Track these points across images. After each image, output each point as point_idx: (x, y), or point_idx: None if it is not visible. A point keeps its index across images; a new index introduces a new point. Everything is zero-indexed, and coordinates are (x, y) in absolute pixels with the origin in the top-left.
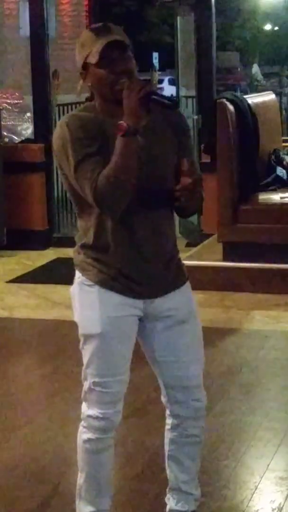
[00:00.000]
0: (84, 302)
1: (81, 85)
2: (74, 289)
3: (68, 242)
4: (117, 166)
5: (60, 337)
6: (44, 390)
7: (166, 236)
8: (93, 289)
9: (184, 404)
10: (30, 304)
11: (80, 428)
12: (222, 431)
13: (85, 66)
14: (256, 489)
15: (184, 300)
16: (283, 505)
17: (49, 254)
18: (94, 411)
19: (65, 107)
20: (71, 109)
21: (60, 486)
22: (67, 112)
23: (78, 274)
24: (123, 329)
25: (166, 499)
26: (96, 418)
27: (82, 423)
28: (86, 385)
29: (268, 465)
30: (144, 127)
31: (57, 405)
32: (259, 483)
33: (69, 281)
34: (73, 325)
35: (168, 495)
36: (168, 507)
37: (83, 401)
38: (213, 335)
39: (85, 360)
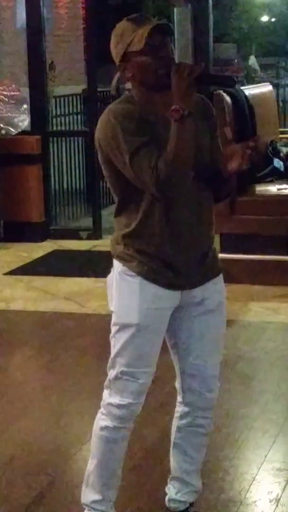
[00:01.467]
0: (124, 292)
1: (118, 78)
2: (112, 278)
3: (65, 234)
4: (177, 151)
5: (57, 329)
6: (41, 382)
7: (207, 224)
8: (135, 280)
9: (197, 392)
10: (27, 296)
11: (99, 415)
12: (220, 423)
13: (125, 56)
14: (253, 480)
15: (217, 290)
16: (280, 496)
17: (46, 246)
18: (116, 399)
19: (62, 99)
20: (68, 101)
21: (56, 479)
22: (64, 104)
23: (118, 264)
24: (159, 321)
25: (166, 489)
26: (117, 406)
27: (102, 410)
28: (112, 373)
29: (265, 456)
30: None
31: (54, 397)
32: (256, 474)
33: (66, 273)
34: (70, 317)
35: (169, 485)
36: (167, 497)
37: (105, 389)
38: None
39: (115, 349)
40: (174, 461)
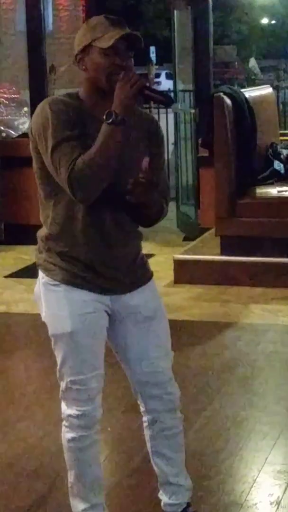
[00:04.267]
0: (51, 302)
1: (68, 66)
2: (38, 290)
3: None
4: (98, 152)
5: None
6: (41, 385)
7: (132, 233)
8: (59, 288)
9: (158, 398)
10: (27, 299)
11: (63, 428)
12: (220, 425)
13: (87, 48)
14: (254, 482)
15: (151, 297)
16: (281, 499)
17: None
18: (73, 410)
19: None
20: None
21: (57, 482)
22: None
23: (41, 275)
24: (93, 324)
25: (159, 495)
26: (76, 416)
27: (64, 423)
28: (63, 384)
29: (266, 459)
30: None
31: (54, 400)
32: (257, 477)
33: None
34: None
35: (160, 491)
36: (162, 502)
37: (62, 401)
38: (211, 329)
39: (58, 360)
40: (157, 468)
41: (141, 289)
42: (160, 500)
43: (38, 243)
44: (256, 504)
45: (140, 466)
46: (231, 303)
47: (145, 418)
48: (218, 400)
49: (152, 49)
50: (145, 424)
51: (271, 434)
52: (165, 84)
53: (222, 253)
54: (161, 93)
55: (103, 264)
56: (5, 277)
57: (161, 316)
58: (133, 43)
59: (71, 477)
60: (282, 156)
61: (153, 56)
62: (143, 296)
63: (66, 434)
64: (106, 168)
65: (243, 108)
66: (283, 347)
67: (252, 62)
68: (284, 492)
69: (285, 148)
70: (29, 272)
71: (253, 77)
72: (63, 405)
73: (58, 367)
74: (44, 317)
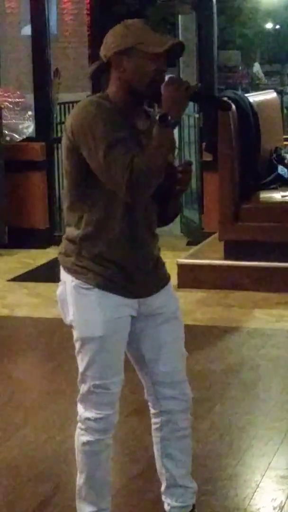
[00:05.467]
0: (82, 306)
1: (99, 64)
2: (64, 293)
3: None
4: (156, 155)
5: (61, 336)
6: (44, 389)
7: (155, 234)
8: (92, 292)
9: (173, 398)
10: (31, 302)
11: (78, 431)
12: (223, 430)
13: (128, 50)
14: (257, 487)
15: (170, 298)
16: (284, 504)
17: (50, 253)
18: (92, 413)
19: (67, 106)
20: (73, 108)
21: (60, 485)
22: (69, 110)
23: (70, 278)
24: (121, 330)
25: (164, 499)
26: (95, 420)
27: (80, 425)
28: (84, 388)
29: (269, 464)
30: (147, 130)
31: (57, 404)
32: (260, 482)
33: None
34: None
35: (164, 495)
36: (168, 506)
37: (79, 404)
38: (214, 334)
39: (83, 363)
40: (166, 471)
41: (163, 290)
42: (163, 505)
43: (65, 246)
44: (259, 509)
45: (144, 470)
46: (234, 307)
47: (156, 420)
48: (221, 405)
49: None
50: (155, 426)
51: (274, 439)
52: None
53: (225, 258)
54: (214, 97)
55: (134, 265)
56: (8, 280)
57: (179, 317)
58: (179, 51)
59: (80, 479)
60: (286, 161)
61: None
62: (164, 297)
63: (81, 437)
64: (161, 168)
65: (247, 112)
66: (287, 352)
67: (256, 67)
68: (287, 497)
69: None
70: (32, 275)
71: (257, 81)
72: (80, 408)
73: (81, 370)
74: (72, 320)
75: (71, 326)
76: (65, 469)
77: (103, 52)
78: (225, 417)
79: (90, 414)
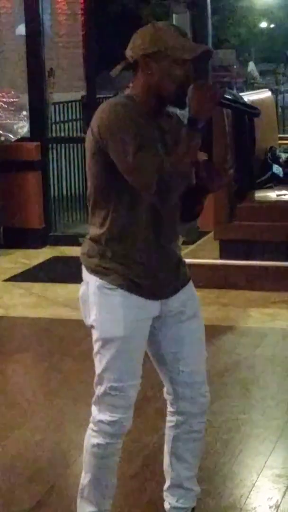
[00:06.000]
0: (105, 306)
1: (124, 65)
2: (86, 293)
3: (65, 240)
4: (185, 158)
5: (57, 336)
6: (40, 389)
7: (178, 234)
8: (116, 293)
9: (191, 400)
10: (26, 302)
11: (89, 432)
12: (219, 429)
13: (156, 54)
14: (253, 486)
15: (191, 296)
16: (280, 503)
17: (46, 253)
18: (106, 416)
19: (61, 105)
20: (67, 107)
21: (56, 486)
22: (63, 110)
23: (94, 278)
24: (143, 332)
25: (164, 497)
26: (108, 423)
27: (92, 427)
28: (100, 389)
29: (265, 463)
30: (171, 130)
31: (54, 404)
32: (256, 481)
33: (65, 279)
34: (70, 323)
35: (166, 493)
36: (168, 505)
37: (94, 405)
38: (210, 333)
39: (101, 364)
40: (172, 470)
41: (184, 289)
42: (160, 504)
43: (88, 246)
44: (255, 508)
45: (141, 470)
46: (230, 306)
47: (172, 418)
48: (217, 404)
49: None
50: (170, 424)
51: (270, 438)
52: None
53: (221, 257)
54: (243, 104)
55: (158, 266)
56: (4, 280)
57: (200, 316)
58: (207, 57)
59: (85, 479)
60: (281, 160)
61: None
62: (185, 296)
63: (92, 439)
64: (190, 171)
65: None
66: (282, 351)
67: (251, 66)
68: (283, 496)
69: (284, 152)
70: (27, 275)
71: (252, 81)
72: (95, 410)
73: (99, 372)
74: (94, 320)
75: (91, 327)
76: (60, 469)
77: (130, 52)
78: (221, 416)
79: (104, 416)
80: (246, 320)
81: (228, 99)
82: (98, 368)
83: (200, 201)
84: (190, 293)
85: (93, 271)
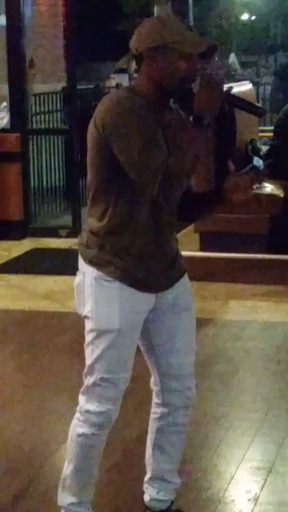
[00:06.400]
0: (102, 297)
1: (130, 59)
2: (82, 283)
3: (45, 232)
4: (189, 155)
5: (37, 328)
6: (20, 381)
7: (175, 229)
8: (114, 285)
9: (178, 392)
10: (6, 294)
11: (75, 421)
12: (198, 422)
13: (161, 48)
14: (232, 479)
15: (186, 289)
16: (259, 495)
17: (26, 245)
18: (93, 406)
19: (42, 97)
20: (48, 99)
21: (35, 478)
22: (44, 101)
23: (91, 269)
24: (138, 325)
25: (144, 488)
26: (95, 413)
27: (79, 416)
28: (90, 379)
29: (244, 455)
30: (172, 124)
31: (33, 397)
32: (235, 473)
33: (45, 271)
34: (49, 316)
35: (146, 485)
36: (148, 497)
37: (82, 395)
38: None
39: (93, 355)
40: (154, 462)
41: (179, 281)
42: (139, 496)
43: (87, 237)
44: (234, 500)
45: (119, 462)
46: (210, 299)
47: (157, 410)
48: (196, 397)
49: None
50: (154, 416)
51: (249, 430)
52: None
53: (201, 249)
54: (248, 102)
55: (156, 259)
56: None
57: (192, 309)
58: (210, 53)
59: (67, 469)
60: (261, 153)
61: None
62: (180, 288)
63: (78, 428)
64: (194, 169)
65: (222, 104)
66: (262, 343)
67: (232, 58)
68: (262, 489)
69: (264, 145)
70: (7, 267)
71: (233, 72)
72: (82, 400)
73: (90, 362)
74: (89, 311)
75: (85, 317)
76: (40, 461)
77: (135, 44)
78: (200, 409)
79: (92, 407)
80: (226, 312)
81: (233, 96)
82: (89, 359)
83: (212, 208)
84: (184, 285)
85: (91, 262)
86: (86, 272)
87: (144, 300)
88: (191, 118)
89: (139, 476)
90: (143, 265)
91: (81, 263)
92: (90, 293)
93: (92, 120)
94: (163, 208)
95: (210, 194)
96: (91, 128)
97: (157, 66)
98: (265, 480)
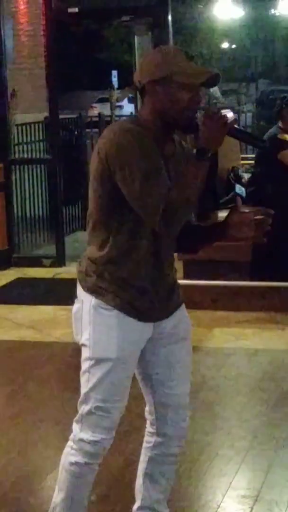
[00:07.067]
0: (100, 326)
1: (131, 92)
2: (81, 310)
3: (29, 261)
4: (191, 188)
5: (21, 358)
6: (4, 412)
7: (174, 258)
8: (112, 313)
9: (173, 423)
10: None
11: (68, 449)
12: (184, 450)
13: (162, 79)
14: (218, 507)
15: (183, 319)
16: None
17: (9, 274)
18: (87, 435)
19: (24, 127)
20: (30, 129)
21: (20, 510)
22: (26, 132)
23: (90, 297)
24: (135, 354)
25: None
26: (89, 442)
27: (72, 444)
28: (85, 408)
29: (230, 483)
30: (173, 156)
31: (17, 427)
32: (221, 502)
33: (29, 300)
34: (34, 346)
35: None
36: None
37: (76, 424)
38: None
39: (89, 383)
40: (144, 490)
41: (177, 311)
42: None
43: (86, 265)
44: None
45: (107, 491)
46: (194, 327)
47: (151, 439)
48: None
49: (114, 73)
50: (147, 445)
51: (235, 458)
52: (128, 108)
53: (184, 277)
54: (251, 136)
55: (155, 290)
56: None
57: (190, 339)
58: (212, 83)
59: (57, 497)
60: (243, 180)
61: (115, 80)
62: (178, 318)
63: (70, 457)
64: (195, 201)
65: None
66: (246, 370)
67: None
68: None
69: (246, 172)
70: None
71: (214, 101)
72: (76, 428)
73: (85, 391)
74: (87, 339)
75: (82, 345)
76: (25, 493)
77: (138, 78)
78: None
79: (86, 435)
80: (210, 340)
81: (237, 130)
82: (85, 387)
83: (214, 242)
84: (182, 315)
85: (90, 290)
86: (85, 300)
87: (142, 330)
88: (194, 151)
89: (126, 506)
90: (142, 294)
91: (80, 290)
92: (88, 321)
93: (95, 151)
94: (163, 239)
95: (213, 228)
96: (94, 159)
97: (159, 98)
98: (252, 508)
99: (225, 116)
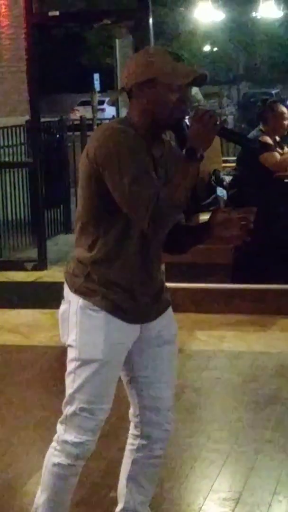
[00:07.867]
0: (87, 327)
1: (119, 94)
2: (67, 311)
3: (10, 265)
4: (181, 189)
5: (2, 362)
6: None
7: (161, 260)
8: (99, 315)
9: (158, 425)
10: None
11: (51, 450)
12: (166, 453)
13: (150, 81)
14: (200, 510)
15: (170, 321)
16: None
17: None
18: (71, 437)
19: (5, 130)
20: (11, 132)
21: None
22: (8, 135)
23: (77, 298)
24: (121, 356)
25: None
26: (73, 443)
27: (55, 445)
28: (69, 409)
29: (211, 486)
30: (161, 158)
31: (0, 432)
32: (203, 505)
33: (11, 304)
34: (15, 350)
35: None
36: None
37: (60, 425)
38: None
39: (75, 384)
40: (128, 493)
41: (164, 313)
42: None
43: (74, 266)
44: None
45: (88, 495)
46: None
47: (134, 442)
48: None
49: (96, 76)
50: (131, 447)
51: (216, 461)
52: (109, 111)
53: (166, 280)
54: (242, 136)
55: (143, 291)
56: None
57: (176, 342)
58: (200, 82)
59: (40, 499)
60: (224, 183)
61: (96, 83)
62: (165, 320)
63: (54, 458)
64: (185, 201)
65: (185, 135)
66: (228, 373)
67: (195, 89)
68: None
69: (227, 175)
70: None
71: (196, 103)
72: (60, 429)
73: (70, 391)
74: (73, 340)
75: (69, 346)
76: (7, 499)
77: (124, 80)
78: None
79: (70, 437)
80: (192, 342)
81: (227, 130)
82: (69, 388)
83: (202, 242)
84: (169, 318)
85: (77, 291)
86: (72, 301)
87: (129, 331)
88: (184, 151)
89: (107, 509)
90: (129, 296)
91: (67, 291)
92: (75, 322)
93: (84, 152)
94: (151, 241)
95: (200, 228)
96: (83, 160)
97: (146, 100)
98: (233, 511)
99: (215, 116)
